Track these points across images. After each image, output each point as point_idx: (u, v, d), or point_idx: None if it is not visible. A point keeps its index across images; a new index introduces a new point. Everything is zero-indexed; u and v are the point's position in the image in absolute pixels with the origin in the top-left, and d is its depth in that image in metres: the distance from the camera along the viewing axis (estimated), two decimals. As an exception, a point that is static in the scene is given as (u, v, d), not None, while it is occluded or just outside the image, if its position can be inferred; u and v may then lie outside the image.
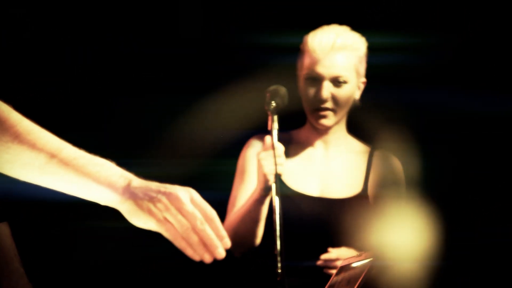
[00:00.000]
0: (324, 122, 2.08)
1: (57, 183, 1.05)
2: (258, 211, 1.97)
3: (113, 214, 1.13)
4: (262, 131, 2.15)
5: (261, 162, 1.91)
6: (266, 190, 1.94)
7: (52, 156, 1.03)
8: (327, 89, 2.04)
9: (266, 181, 1.91)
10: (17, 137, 1.01)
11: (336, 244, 1.99)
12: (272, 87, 2.03)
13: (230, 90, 2.45)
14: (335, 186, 2.12)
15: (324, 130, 2.12)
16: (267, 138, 1.94)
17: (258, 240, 2.02)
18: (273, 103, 1.96)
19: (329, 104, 2.05)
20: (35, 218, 2.41)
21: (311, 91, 2.07)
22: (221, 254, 1.07)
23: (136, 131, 2.55)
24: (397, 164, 2.18)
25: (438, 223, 2.12)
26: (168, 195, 1.06)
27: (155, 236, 1.12)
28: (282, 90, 2.02)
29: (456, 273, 2.33)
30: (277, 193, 1.85)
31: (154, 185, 1.07)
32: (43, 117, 1.11)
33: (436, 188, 2.30)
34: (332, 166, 2.15)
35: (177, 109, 2.55)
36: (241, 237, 2.01)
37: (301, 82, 2.12)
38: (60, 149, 1.04)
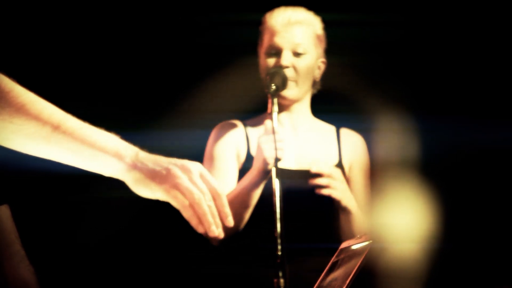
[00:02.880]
0: (287, 93, 2.06)
1: (63, 154, 1.05)
2: (252, 195, 1.97)
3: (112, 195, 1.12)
4: (259, 113, 2.19)
5: (261, 145, 1.91)
6: (265, 173, 1.93)
7: (57, 126, 1.02)
8: (287, 57, 2.07)
9: (265, 164, 1.90)
10: (22, 108, 1.00)
11: (324, 212, 2.02)
12: (272, 70, 2.04)
13: (229, 72, 2.45)
14: (310, 158, 2.11)
15: (288, 108, 2.11)
16: (267, 121, 1.93)
17: (243, 225, 2.00)
18: (273, 86, 1.96)
19: (290, 72, 2.06)
20: (35, 201, 2.41)
21: (271, 62, 2.09)
22: (220, 233, 1.07)
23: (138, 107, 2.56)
24: (363, 141, 2.21)
25: (436, 204, 2.13)
26: (179, 166, 1.06)
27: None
28: (282, 72, 2.03)
29: (455, 256, 2.34)
30: (276, 176, 1.84)
31: (163, 158, 1.08)
32: (47, 88, 1.11)
33: (435, 169, 2.31)
34: (303, 141, 2.15)
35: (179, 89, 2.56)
36: None
37: (262, 60, 2.13)
38: (65, 119, 1.04)
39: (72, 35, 2.53)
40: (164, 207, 1.22)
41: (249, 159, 2.10)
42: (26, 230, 1.44)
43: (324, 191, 1.95)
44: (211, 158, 2.11)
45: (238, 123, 2.18)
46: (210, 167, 2.07)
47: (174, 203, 1.07)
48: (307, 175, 2.03)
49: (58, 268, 2.38)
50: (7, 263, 1.35)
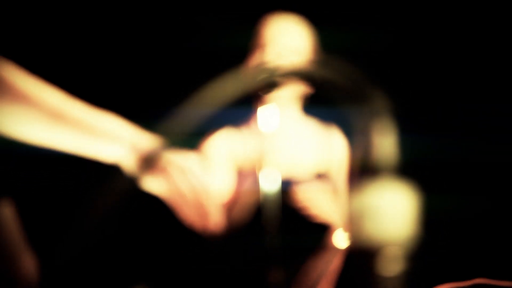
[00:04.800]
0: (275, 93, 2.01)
1: (66, 139, 1.05)
2: (249, 195, 1.94)
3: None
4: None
5: (255, 143, 1.93)
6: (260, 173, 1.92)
7: (62, 112, 1.04)
8: (280, 49, 2.03)
9: (259, 163, 1.90)
10: (26, 95, 1.01)
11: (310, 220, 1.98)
12: (264, 66, 1.97)
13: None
14: (299, 166, 2.09)
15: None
16: (258, 119, 1.94)
17: (242, 225, 1.98)
18: (267, 78, 1.91)
19: (280, 64, 1.97)
20: (37, 193, 2.42)
21: (262, 55, 2.04)
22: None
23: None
24: (346, 142, 2.18)
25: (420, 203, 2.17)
26: (180, 159, 1.10)
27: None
28: (274, 70, 1.96)
29: (436, 252, 2.39)
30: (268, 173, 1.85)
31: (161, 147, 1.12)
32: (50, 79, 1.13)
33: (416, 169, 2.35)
34: (293, 146, 2.12)
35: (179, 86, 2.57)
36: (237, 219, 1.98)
37: (251, 55, 2.08)
38: (69, 106, 1.05)
39: (65, 32, 2.54)
40: (161, 205, 1.26)
41: (245, 160, 2.08)
42: (29, 222, 1.46)
43: (303, 210, 1.94)
44: (205, 161, 2.07)
45: (232, 128, 2.15)
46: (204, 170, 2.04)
47: (167, 191, 1.10)
48: (295, 184, 2.01)
49: (60, 258, 2.39)
50: (12, 256, 1.38)
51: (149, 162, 1.03)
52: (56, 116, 1.03)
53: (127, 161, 1.08)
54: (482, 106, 2.49)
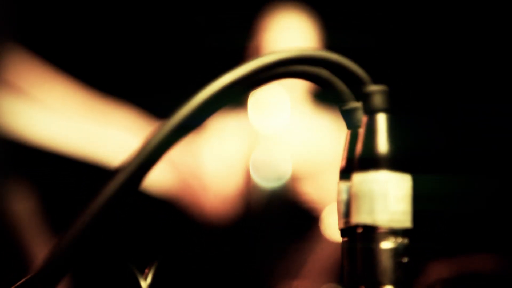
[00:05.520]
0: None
1: (84, 137, 1.09)
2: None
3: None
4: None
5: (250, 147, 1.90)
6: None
7: (78, 107, 1.09)
8: (280, 47, 1.94)
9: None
10: (45, 104, 1.07)
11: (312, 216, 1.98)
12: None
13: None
14: (302, 158, 2.05)
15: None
16: (256, 115, 1.93)
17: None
18: None
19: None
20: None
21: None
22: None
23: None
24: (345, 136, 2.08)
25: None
26: (181, 150, 1.17)
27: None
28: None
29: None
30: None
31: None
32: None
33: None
34: (297, 138, 2.07)
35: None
36: None
37: (250, 54, 2.03)
38: (86, 102, 1.11)
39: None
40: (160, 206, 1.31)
41: (245, 151, 2.00)
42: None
43: (305, 203, 1.92)
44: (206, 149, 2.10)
45: (232, 118, 2.05)
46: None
47: (172, 177, 1.16)
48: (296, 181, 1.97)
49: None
50: (31, 244, 1.41)
51: (154, 158, 1.09)
52: (74, 116, 1.07)
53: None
54: (482, 105, 2.53)
